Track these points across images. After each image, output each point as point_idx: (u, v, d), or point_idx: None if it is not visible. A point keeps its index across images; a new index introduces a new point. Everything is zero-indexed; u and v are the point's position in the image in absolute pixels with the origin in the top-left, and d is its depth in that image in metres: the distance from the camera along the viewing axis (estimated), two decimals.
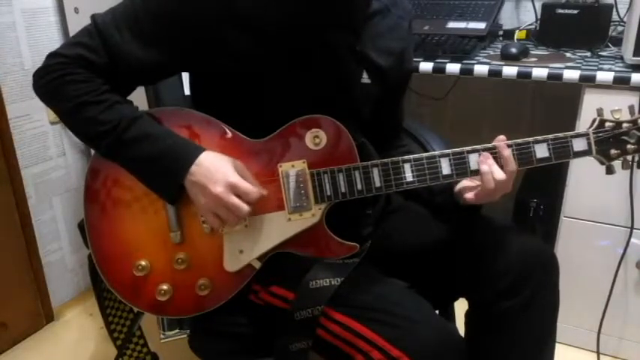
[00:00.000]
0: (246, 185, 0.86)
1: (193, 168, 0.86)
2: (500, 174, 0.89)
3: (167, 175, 0.88)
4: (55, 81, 0.87)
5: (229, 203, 0.85)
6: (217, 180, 0.85)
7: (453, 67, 1.48)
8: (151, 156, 0.87)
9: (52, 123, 1.76)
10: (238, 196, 0.86)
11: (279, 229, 0.92)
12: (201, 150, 0.88)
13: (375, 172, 0.92)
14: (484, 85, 1.98)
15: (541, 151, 0.90)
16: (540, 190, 1.72)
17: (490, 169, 0.90)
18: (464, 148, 0.91)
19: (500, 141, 0.91)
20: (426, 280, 1.03)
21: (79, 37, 0.89)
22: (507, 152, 0.90)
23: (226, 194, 0.85)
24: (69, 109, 0.88)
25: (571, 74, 1.37)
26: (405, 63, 1.08)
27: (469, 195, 0.95)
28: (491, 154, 0.90)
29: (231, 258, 0.93)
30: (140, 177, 0.90)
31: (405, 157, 0.92)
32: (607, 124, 0.90)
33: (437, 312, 1.01)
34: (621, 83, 1.32)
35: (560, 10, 1.65)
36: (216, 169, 0.86)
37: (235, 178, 0.86)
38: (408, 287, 1.01)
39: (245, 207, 0.86)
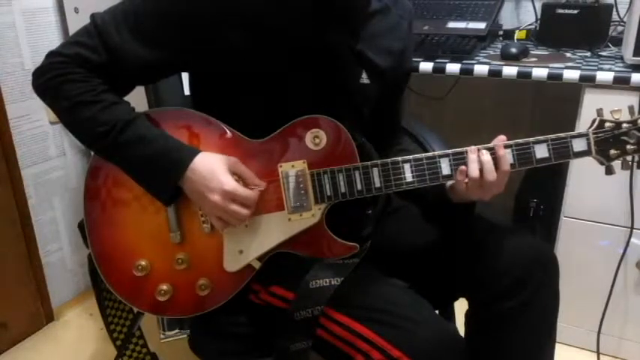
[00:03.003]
0: (242, 191, 0.87)
1: (188, 174, 0.86)
2: (491, 174, 0.89)
3: (161, 178, 0.88)
4: (53, 80, 0.87)
5: (228, 210, 0.86)
6: (213, 188, 0.85)
7: (453, 67, 1.48)
8: (145, 158, 0.87)
9: (52, 123, 1.76)
10: (236, 200, 0.86)
11: (279, 229, 0.92)
12: (194, 153, 0.87)
13: (375, 172, 0.92)
14: (484, 85, 1.98)
15: (541, 151, 0.90)
16: (540, 190, 1.73)
17: (477, 159, 0.89)
18: (464, 148, 0.91)
19: (501, 141, 0.91)
20: (426, 280, 1.03)
21: (78, 37, 0.89)
22: (502, 152, 0.89)
23: (224, 202, 0.85)
24: (66, 109, 0.88)
25: (571, 74, 1.37)
26: (404, 63, 1.08)
27: (460, 186, 0.93)
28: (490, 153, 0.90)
29: (231, 258, 0.93)
30: (135, 179, 0.90)
31: (405, 157, 0.92)
32: (607, 124, 0.90)
33: (437, 312, 1.01)
34: (621, 83, 1.32)
35: (560, 10, 1.65)
36: (212, 176, 0.86)
37: (231, 186, 0.86)
38: (408, 287, 1.01)
39: (244, 211, 0.87)
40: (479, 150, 0.90)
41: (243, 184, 0.88)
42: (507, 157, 0.89)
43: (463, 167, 0.90)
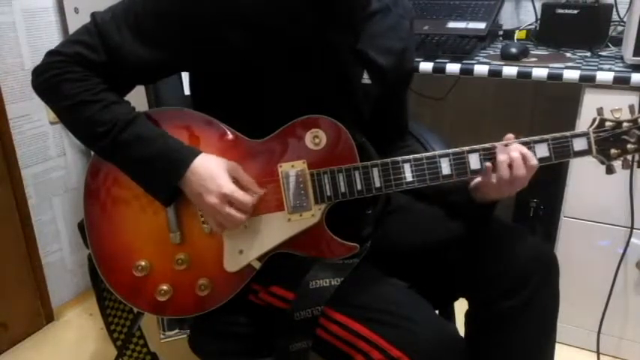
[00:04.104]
0: (240, 195, 0.86)
1: (188, 175, 0.86)
2: (521, 169, 0.89)
3: (160, 178, 0.88)
4: (52, 79, 0.87)
5: (224, 213, 0.86)
6: (211, 190, 0.85)
7: (453, 67, 1.48)
8: (145, 158, 0.87)
9: (52, 123, 1.76)
10: (233, 204, 0.86)
11: (278, 229, 0.92)
12: (194, 155, 0.87)
13: (375, 172, 0.92)
14: (484, 85, 1.98)
15: (541, 150, 0.90)
16: (540, 190, 1.72)
17: (508, 159, 0.89)
18: (464, 148, 0.91)
19: (509, 139, 0.91)
20: (426, 280, 1.03)
21: (78, 35, 0.89)
22: (526, 149, 0.89)
23: (220, 205, 0.85)
24: (66, 108, 0.88)
25: (571, 74, 1.37)
26: (406, 62, 1.07)
27: (486, 188, 0.94)
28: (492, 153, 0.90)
29: (231, 258, 0.93)
30: (135, 179, 0.89)
31: (405, 157, 0.92)
32: (607, 123, 0.90)
33: (437, 312, 1.01)
34: (621, 83, 1.32)
35: (560, 10, 1.65)
36: (211, 178, 0.86)
37: (229, 189, 0.86)
38: (408, 287, 1.01)
39: (239, 216, 0.87)
40: (507, 145, 0.90)
41: (241, 189, 0.88)
42: (530, 153, 0.89)
43: (489, 164, 0.91)
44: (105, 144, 0.87)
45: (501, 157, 0.90)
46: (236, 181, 0.88)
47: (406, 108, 1.17)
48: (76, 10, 1.69)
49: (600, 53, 1.57)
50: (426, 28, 1.70)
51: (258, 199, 0.90)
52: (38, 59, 0.89)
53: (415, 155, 0.92)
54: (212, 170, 0.86)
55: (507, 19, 1.89)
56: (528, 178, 0.91)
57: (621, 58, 1.47)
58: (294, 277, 0.92)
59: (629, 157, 0.91)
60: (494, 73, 1.44)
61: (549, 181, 1.70)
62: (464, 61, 1.49)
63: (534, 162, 0.89)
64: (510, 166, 0.89)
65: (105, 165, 0.92)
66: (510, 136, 0.92)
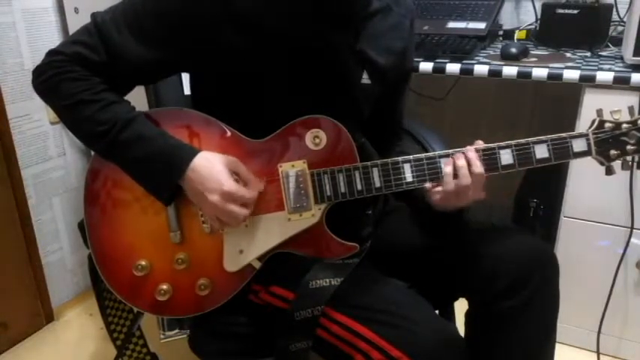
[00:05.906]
0: (240, 191, 0.87)
1: (188, 174, 0.86)
2: (466, 178, 0.88)
3: (160, 176, 0.88)
4: (53, 78, 0.87)
5: (226, 210, 0.86)
6: (212, 189, 0.85)
7: (453, 67, 1.48)
8: (144, 157, 0.87)
9: (52, 123, 1.76)
10: (235, 201, 0.86)
11: (279, 229, 0.92)
12: (194, 152, 0.87)
13: (375, 172, 0.92)
14: (484, 85, 1.98)
15: (541, 151, 0.90)
16: (540, 190, 1.72)
17: (453, 172, 0.89)
18: (464, 148, 0.91)
19: (478, 145, 0.91)
20: (426, 280, 1.03)
21: (78, 36, 0.89)
22: (472, 154, 0.89)
23: (222, 202, 0.85)
24: (66, 107, 0.88)
25: (571, 74, 1.37)
26: (406, 62, 1.07)
27: (435, 197, 0.93)
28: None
29: (231, 258, 0.93)
30: (135, 178, 0.89)
31: (405, 157, 0.92)
32: (607, 124, 0.90)
33: (437, 312, 1.01)
34: (621, 83, 1.32)
35: (560, 10, 1.65)
36: (210, 176, 0.86)
37: (229, 186, 0.86)
38: (408, 287, 1.01)
39: (242, 211, 0.87)
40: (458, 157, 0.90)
41: (242, 184, 0.88)
42: (478, 161, 0.89)
43: (429, 184, 0.91)
44: (105, 143, 0.87)
45: (447, 169, 0.89)
46: (236, 176, 0.88)
47: (403, 107, 1.17)
48: (76, 10, 1.69)
49: (600, 53, 1.57)
50: (426, 28, 1.70)
51: (259, 199, 0.90)
52: (38, 59, 0.89)
53: (415, 155, 0.92)
54: (211, 168, 0.86)
55: (507, 19, 1.89)
56: (480, 188, 0.90)
57: (621, 58, 1.47)
58: (294, 277, 0.92)
59: (629, 158, 0.91)
60: (494, 73, 1.44)
61: (549, 181, 1.71)
62: (464, 61, 1.49)
63: (480, 170, 0.89)
64: (456, 176, 0.89)
65: (105, 164, 0.92)
66: (479, 142, 0.91)
